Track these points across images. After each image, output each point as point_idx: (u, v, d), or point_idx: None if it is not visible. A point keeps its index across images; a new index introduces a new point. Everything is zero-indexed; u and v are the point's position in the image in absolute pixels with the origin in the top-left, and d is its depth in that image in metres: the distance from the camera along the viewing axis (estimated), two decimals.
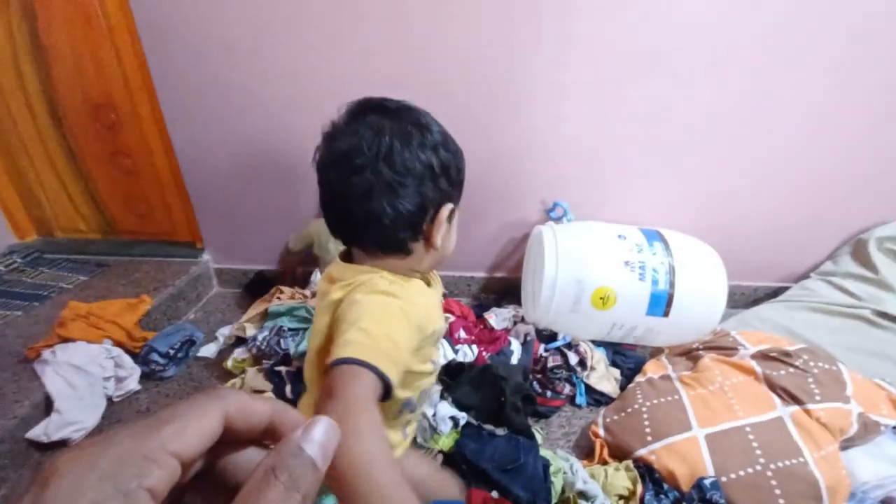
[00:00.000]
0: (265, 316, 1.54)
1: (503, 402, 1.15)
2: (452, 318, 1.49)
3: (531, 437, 1.14)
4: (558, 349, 1.36)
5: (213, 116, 1.61)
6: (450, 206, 0.61)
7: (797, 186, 1.56)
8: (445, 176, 0.59)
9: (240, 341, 1.53)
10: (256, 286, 1.81)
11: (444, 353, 1.33)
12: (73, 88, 1.73)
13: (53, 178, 1.93)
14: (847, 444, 1.11)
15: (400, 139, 0.55)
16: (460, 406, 1.19)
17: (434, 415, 1.23)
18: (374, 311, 0.54)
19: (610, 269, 1.25)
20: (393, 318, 0.54)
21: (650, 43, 1.35)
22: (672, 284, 1.23)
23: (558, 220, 1.51)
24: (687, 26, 1.33)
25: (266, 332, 1.42)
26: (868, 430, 1.12)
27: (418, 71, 1.43)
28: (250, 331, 1.49)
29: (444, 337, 1.37)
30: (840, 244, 1.67)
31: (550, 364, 1.31)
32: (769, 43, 1.35)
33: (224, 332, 1.59)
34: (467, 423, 1.16)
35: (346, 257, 0.65)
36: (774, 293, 1.70)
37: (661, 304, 1.24)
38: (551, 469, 1.04)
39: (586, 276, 1.24)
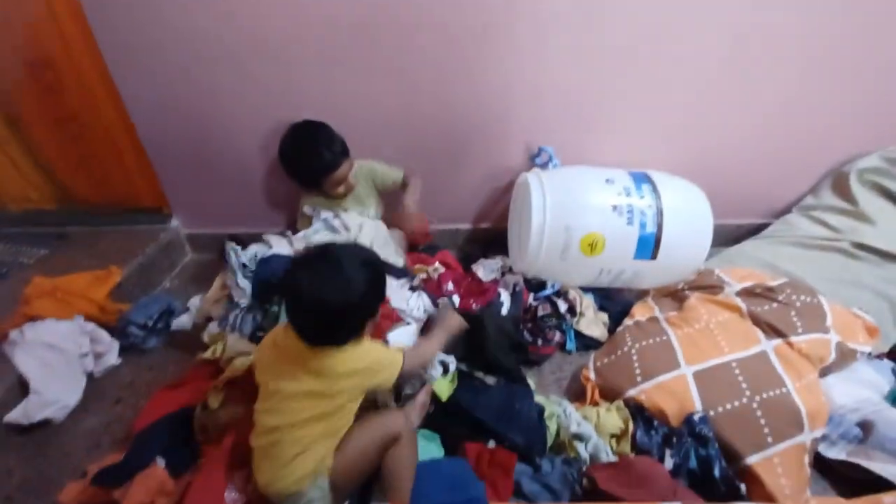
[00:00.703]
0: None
1: (486, 344, 1.14)
2: (443, 269, 1.47)
3: (524, 382, 1.15)
4: (547, 298, 1.35)
5: (168, 67, 1.45)
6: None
7: (777, 118, 1.53)
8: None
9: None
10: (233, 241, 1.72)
11: (423, 307, 1.30)
12: (4, 44, 1.54)
13: None
14: (825, 371, 1.16)
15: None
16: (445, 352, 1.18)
17: None
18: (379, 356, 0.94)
19: (598, 215, 1.22)
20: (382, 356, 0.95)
21: None
22: (660, 227, 1.22)
23: (544, 165, 1.47)
24: None
25: (237, 311, 1.34)
26: (845, 357, 1.17)
27: (397, 6, 1.31)
28: (217, 311, 1.38)
29: (425, 290, 1.36)
30: (821, 177, 1.68)
31: (540, 313, 1.31)
32: None
33: (195, 304, 1.52)
34: (461, 374, 1.16)
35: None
36: (757, 229, 1.71)
37: (649, 247, 1.23)
38: (545, 414, 1.05)
39: (574, 222, 1.22)
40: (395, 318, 1.26)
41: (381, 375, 0.91)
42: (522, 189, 1.36)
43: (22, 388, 1.20)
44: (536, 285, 1.45)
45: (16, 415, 1.15)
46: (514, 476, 0.86)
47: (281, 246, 1.44)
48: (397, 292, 1.31)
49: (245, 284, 1.34)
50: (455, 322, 1.09)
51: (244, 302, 1.32)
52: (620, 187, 1.25)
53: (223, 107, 1.53)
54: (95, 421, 1.23)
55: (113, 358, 1.37)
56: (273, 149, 1.54)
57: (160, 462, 1.00)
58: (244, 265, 1.37)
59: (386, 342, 1.18)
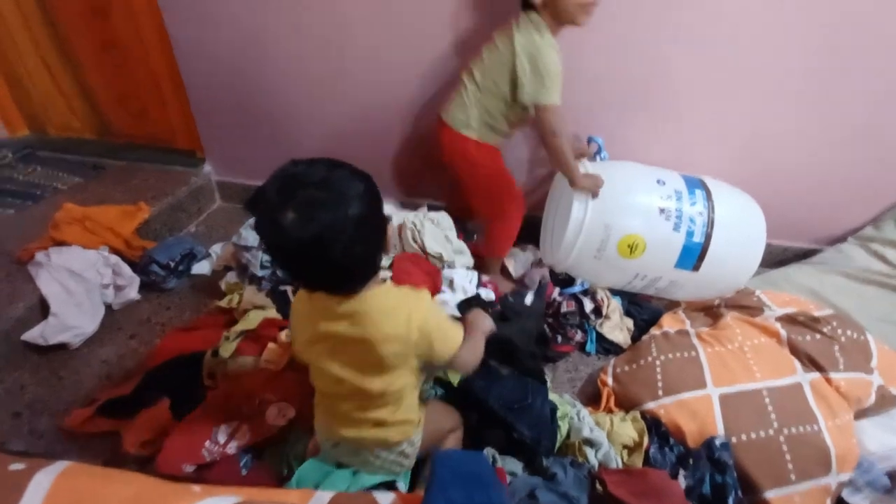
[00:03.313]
0: None
1: (514, 350, 1.10)
2: None
3: (541, 377, 1.11)
4: (573, 295, 1.29)
5: (216, 7, 1.42)
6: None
7: (847, 142, 1.40)
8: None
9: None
10: (251, 208, 1.71)
11: (464, 287, 1.28)
12: None
13: (42, 68, 1.78)
14: (860, 414, 1.09)
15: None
16: None
17: None
18: (433, 315, 0.74)
19: (642, 216, 1.15)
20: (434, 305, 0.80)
21: None
22: (708, 237, 1.14)
23: (591, 157, 1.39)
24: None
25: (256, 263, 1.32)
26: (885, 402, 1.09)
27: None
28: (236, 261, 1.37)
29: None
30: (884, 209, 1.55)
31: (564, 309, 1.26)
32: None
33: (216, 250, 1.52)
34: None
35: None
36: (804, 255, 1.60)
37: (693, 257, 1.15)
38: (558, 413, 1.01)
39: (616, 220, 1.15)
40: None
41: (438, 341, 0.74)
42: (564, 179, 1.30)
43: (42, 309, 1.22)
44: (562, 281, 1.39)
45: (34, 334, 1.17)
46: (526, 488, 0.82)
47: None
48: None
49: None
50: (488, 326, 0.96)
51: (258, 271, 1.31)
52: (671, 189, 1.17)
53: (268, 56, 1.49)
54: (109, 352, 1.24)
55: (133, 293, 1.38)
56: (315, 103, 1.51)
57: (166, 401, 1.01)
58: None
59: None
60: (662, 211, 1.14)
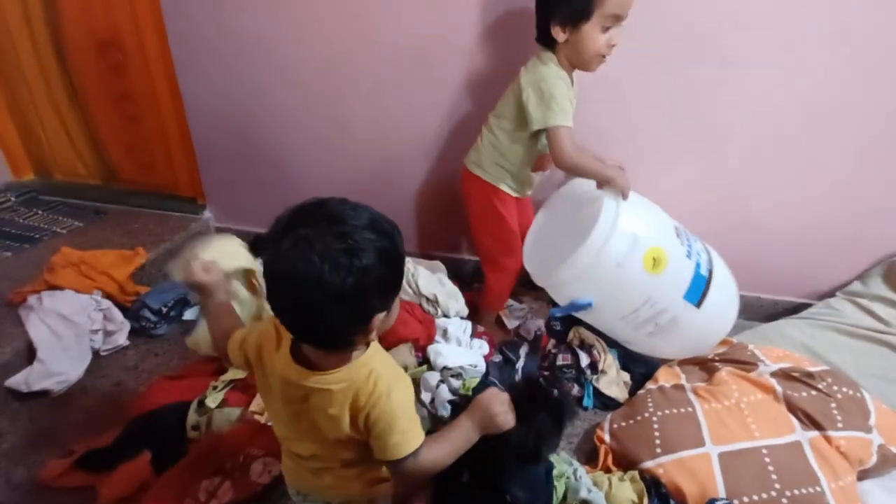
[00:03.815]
0: None
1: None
2: None
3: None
4: (569, 347, 1.29)
5: (223, 65, 1.51)
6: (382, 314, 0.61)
7: (832, 197, 1.46)
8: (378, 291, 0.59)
9: None
10: (253, 251, 1.73)
11: (458, 338, 1.28)
12: (79, 23, 1.63)
13: (54, 116, 1.84)
14: (861, 475, 1.06)
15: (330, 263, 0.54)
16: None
17: (433, 401, 1.17)
18: (403, 407, 0.64)
19: (665, 234, 1.12)
20: (410, 398, 0.66)
21: (699, 25, 1.25)
22: (710, 273, 1.13)
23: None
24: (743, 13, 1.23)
25: None
26: (886, 462, 1.07)
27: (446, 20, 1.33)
28: None
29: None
30: (872, 264, 1.59)
31: (560, 362, 1.25)
32: (826, 41, 1.24)
33: None
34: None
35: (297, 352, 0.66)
36: (795, 309, 1.62)
37: (700, 289, 1.12)
38: (554, 472, 0.98)
39: (643, 232, 1.09)
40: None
41: (393, 431, 0.62)
42: (572, 192, 1.27)
43: (29, 353, 1.20)
44: (557, 333, 1.39)
45: (17, 380, 1.14)
46: None
47: None
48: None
49: None
50: (499, 421, 0.71)
51: None
52: (674, 224, 1.19)
53: (270, 113, 1.58)
54: (92, 400, 1.21)
55: (122, 338, 1.37)
56: (311, 158, 1.58)
57: (146, 455, 0.97)
58: None
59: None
60: (678, 233, 1.14)
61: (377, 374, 0.63)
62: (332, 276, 0.53)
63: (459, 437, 0.70)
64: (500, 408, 0.71)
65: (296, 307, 0.57)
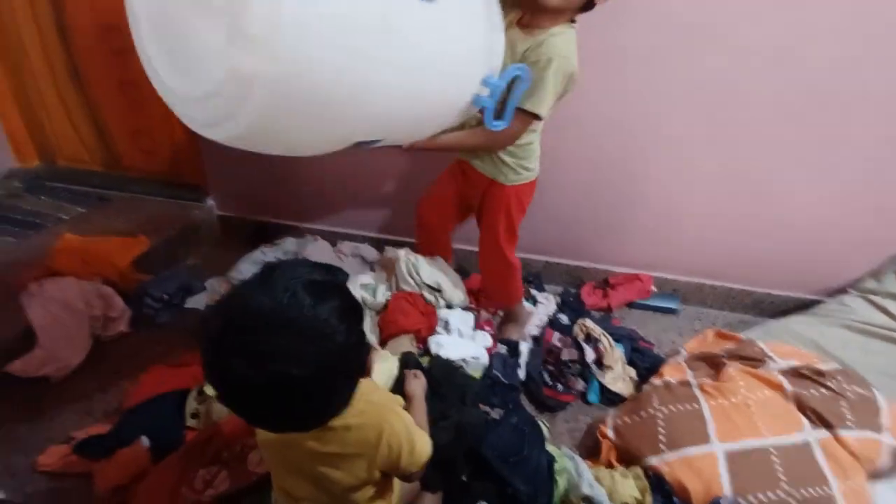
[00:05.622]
0: None
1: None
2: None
3: (537, 427, 1.06)
4: (575, 341, 1.26)
5: None
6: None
7: (848, 193, 1.42)
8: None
9: None
10: (256, 239, 1.72)
11: (460, 329, 1.26)
12: (83, 7, 1.61)
13: (59, 103, 1.83)
14: (871, 476, 1.03)
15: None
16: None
17: None
18: (403, 430, 0.69)
19: None
20: (406, 420, 0.72)
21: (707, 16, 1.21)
22: None
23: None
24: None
25: None
26: None
27: None
28: None
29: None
30: (885, 261, 1.55)
31: (565, 357, 1.22)
32: (846, 34, 1.20)
33: (213, 285, 1.51)
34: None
35: None
36: (805, 305, 1.59)
37: None
38: (555, 466, 0.97)
39: None
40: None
41: (405, 456, 0.68)
42: None
43: (30, 339, 1.19)
44: (561, 326, 1.37)
45: (16, 366, 1.14)
46: None
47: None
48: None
49: None
50: (420, 390, 0.95)
51: None
52: None
53: None
54: (91, 387, 1.20)
55: (123, 325, 1.36)
56: None
57: (144, 442, 0.97)
58: None
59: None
60: None
61: (387, 435, 0.67)
62: (299, 370, 0.52)
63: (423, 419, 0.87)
64: (421, 383, 0.98)
65: (276, 411, 0.56)
